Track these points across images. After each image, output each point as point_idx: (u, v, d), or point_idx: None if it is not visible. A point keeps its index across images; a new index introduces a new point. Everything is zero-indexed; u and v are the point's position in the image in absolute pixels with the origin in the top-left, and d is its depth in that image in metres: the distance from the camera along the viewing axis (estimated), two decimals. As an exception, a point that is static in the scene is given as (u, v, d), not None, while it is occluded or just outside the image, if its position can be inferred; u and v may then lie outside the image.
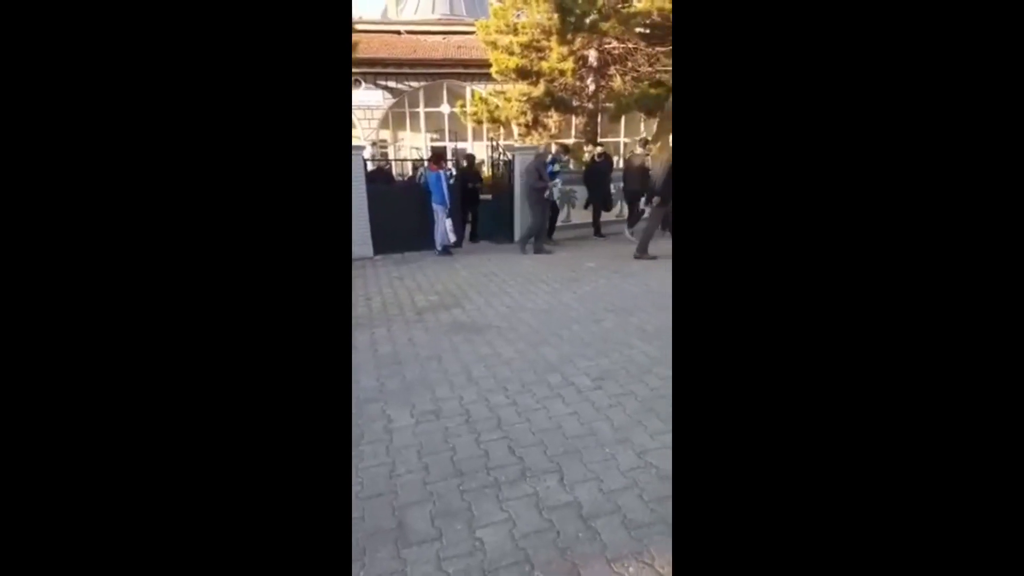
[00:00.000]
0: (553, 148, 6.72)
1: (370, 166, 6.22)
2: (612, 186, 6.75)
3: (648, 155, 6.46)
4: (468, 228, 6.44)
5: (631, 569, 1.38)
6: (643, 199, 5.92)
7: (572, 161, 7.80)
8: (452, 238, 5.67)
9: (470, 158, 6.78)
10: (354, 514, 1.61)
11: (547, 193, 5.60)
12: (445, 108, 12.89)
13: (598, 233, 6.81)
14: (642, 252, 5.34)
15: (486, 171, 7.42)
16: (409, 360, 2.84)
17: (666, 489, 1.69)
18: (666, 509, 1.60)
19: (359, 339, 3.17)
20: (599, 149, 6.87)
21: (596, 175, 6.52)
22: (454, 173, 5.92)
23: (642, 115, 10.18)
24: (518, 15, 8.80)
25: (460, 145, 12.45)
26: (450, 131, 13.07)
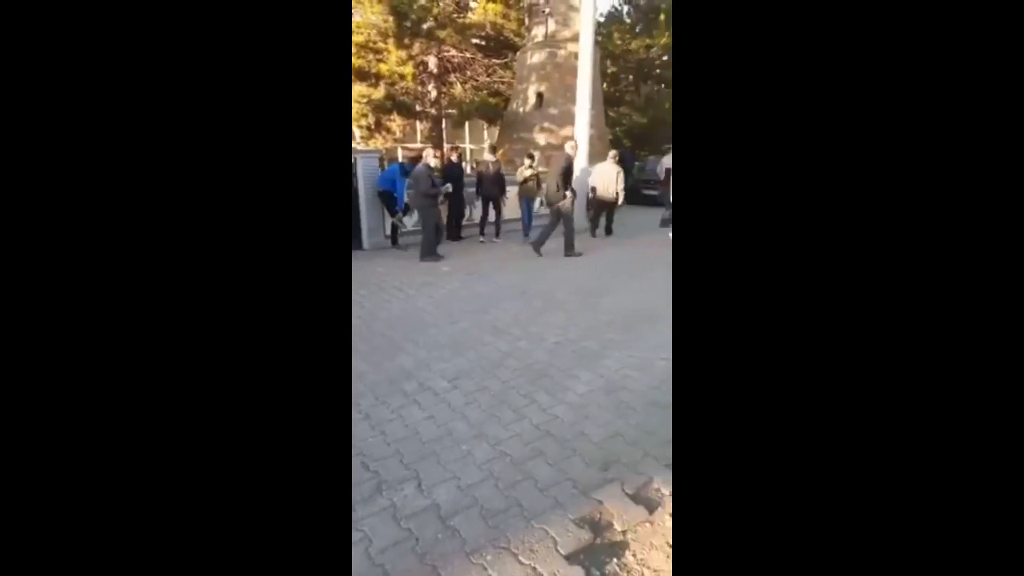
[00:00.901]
0: (400, 153, 6.56)
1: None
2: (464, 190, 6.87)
3: (497, 160, 6.72)
4: None
5: (488, 557, 1.42)
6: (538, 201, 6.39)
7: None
8: None
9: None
10: None
11: (440, 199, 5.53)
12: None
13: (455, 237, 6.87)
14: (570, 249, 5.65)
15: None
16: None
17: (519, 474, 1.79)
18: (519, 492, 1.69)
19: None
20: (455, 153, 6.92)
21: (454, 178, 6.52)
22: None
23: (484, 123, 10.61)
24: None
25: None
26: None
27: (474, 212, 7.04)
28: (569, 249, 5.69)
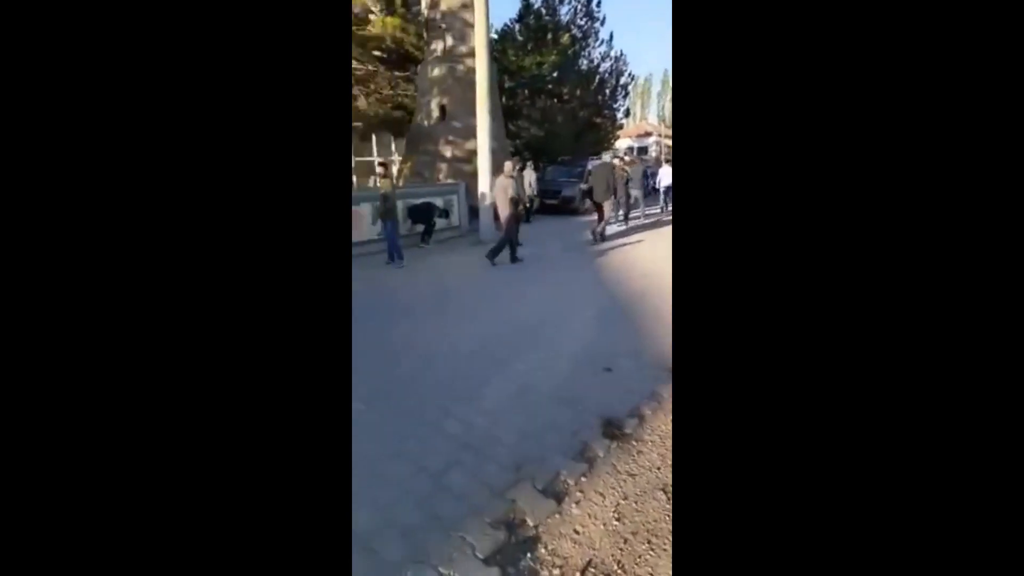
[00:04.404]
0: None
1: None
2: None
3: (385, 175, 6.32)
4: None
5: (408, 574, 1.46)
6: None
7: None
8: None
9: None
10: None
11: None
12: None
13: None
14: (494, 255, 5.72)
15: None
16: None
17: (431, 486, 1.84)
18: (434, 505, 1.75)
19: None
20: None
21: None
22: None
23: (391, 135, 10.47)
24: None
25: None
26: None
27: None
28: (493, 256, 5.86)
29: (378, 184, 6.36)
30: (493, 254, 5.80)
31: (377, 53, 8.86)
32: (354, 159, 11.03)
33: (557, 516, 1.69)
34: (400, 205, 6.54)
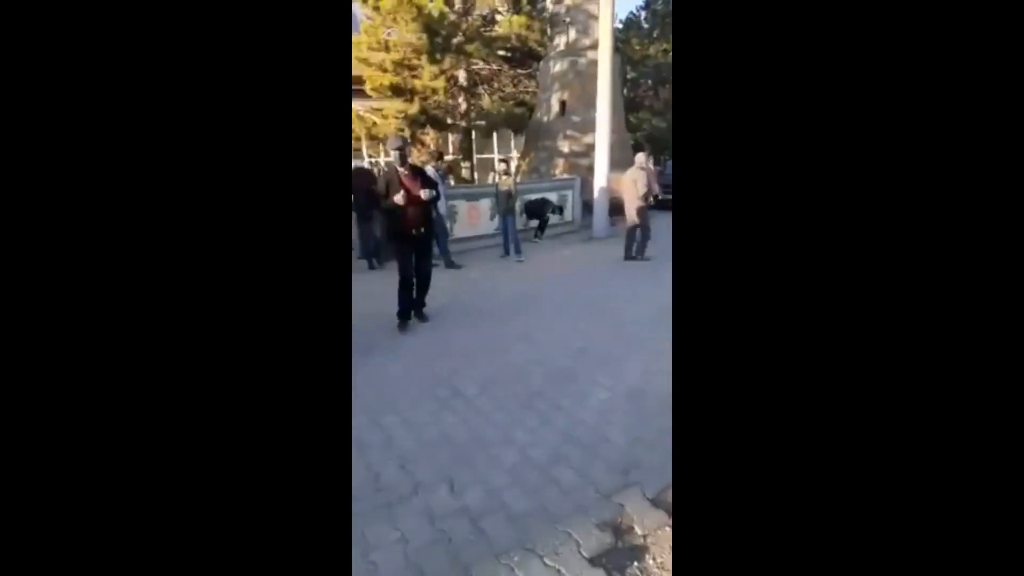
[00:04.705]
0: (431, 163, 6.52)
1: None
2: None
3: (507, 172, 6.21)
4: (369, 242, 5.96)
5: (516, 558, 1.52)
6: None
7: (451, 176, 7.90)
8: None
9: (359, 171, 6.36)
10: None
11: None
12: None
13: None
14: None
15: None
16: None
17: (542, 477, 1.88)
18: (544, 495, 1.78)
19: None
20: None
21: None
22: None
23: (512, 132, 10.78)
24: (388, 32, 8.81)
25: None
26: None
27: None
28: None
29: (497, 181, 6.56)
30: (633, 251, 5.68)
31: (502, 52, 9.18)
32: (475, 156, 11.60)
33: (667, 529, 1.62)
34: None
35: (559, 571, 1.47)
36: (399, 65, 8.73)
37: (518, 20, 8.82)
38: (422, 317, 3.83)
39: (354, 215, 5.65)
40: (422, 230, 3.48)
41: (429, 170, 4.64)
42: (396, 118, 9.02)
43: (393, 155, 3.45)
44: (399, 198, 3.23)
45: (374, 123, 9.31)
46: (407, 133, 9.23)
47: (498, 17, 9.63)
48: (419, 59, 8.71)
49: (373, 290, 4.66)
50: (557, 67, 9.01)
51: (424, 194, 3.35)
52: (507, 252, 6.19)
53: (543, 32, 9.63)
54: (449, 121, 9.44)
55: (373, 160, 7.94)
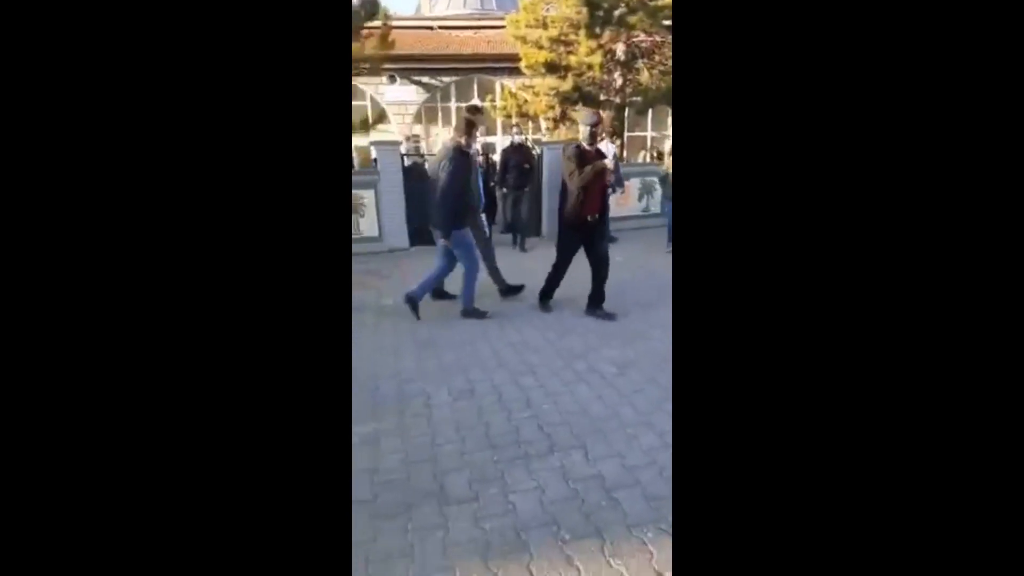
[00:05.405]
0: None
1: (406, 161, 6.36)
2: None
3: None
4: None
5: (649, 534, 1.52)
6: None
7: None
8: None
9: (514, 147, 6.38)
10: (400, 476, 1.81)
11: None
12: (476, 103, 13.06)
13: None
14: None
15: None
16: (445, 345, 3.04)
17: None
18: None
19: (400, 325, 3.39)
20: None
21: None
22: (486, 166, 5.87)
23: (668, 109, 10.11)
24: (547, 9, 8.88)
25: (488, 140, 12.62)
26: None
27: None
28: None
29: (651, 162, 6.25)
30: None
31: (667, 22, 8.57)
32: (626, 134, 11.19)
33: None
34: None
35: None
36: (555, 41, 8.75)
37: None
38: (601, 312, 3.42)
39: (501, 190, 5.91)
40: (598, 216, 3.27)
41: (607, 148, 4.50)
42: (547, 95, 9.12)
43: (583, 132, 3.25)
44: (599, 165, 3.10)
45: (525, 100, 9.55)
46: (557, 110, 9.28)
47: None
48: (576, 34, 8.61)
49: (524, 265, 4.89)
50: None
51: (611, 177, 3.21)
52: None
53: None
54: (603, 97, 9.21)
55: (524, 137, 8.20)
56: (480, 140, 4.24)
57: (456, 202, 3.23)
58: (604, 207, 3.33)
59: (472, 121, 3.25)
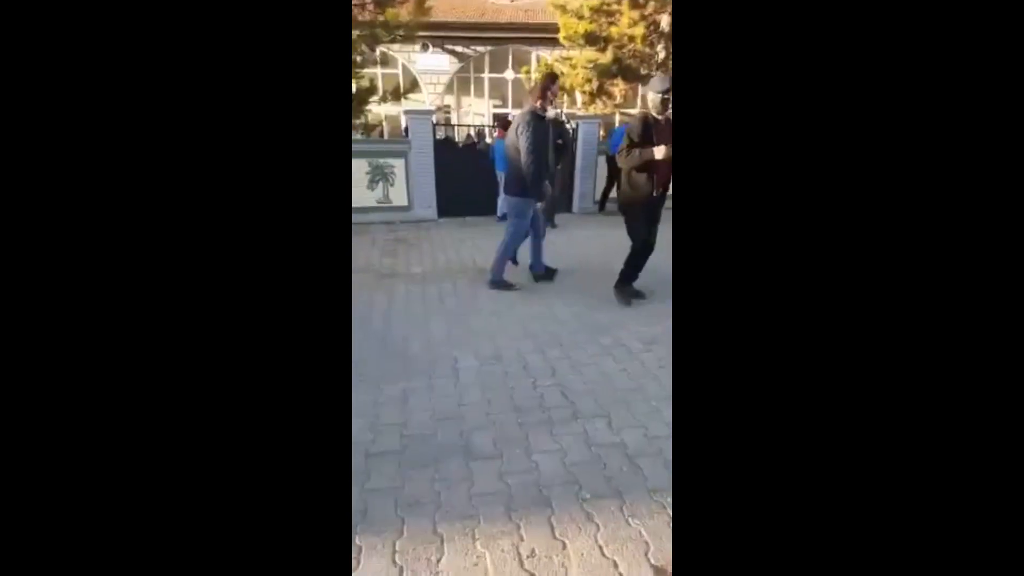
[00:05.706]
0: (617, 119, 6.29)
1: (438, 133, 6.38)
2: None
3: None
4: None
5: (668, 499, 1.55)
6: None
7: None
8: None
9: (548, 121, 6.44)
10: (427, 431, 1.89)
11: None
12: (509, 74, 12.81)
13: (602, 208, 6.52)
14: None
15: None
16: (472, 313, 3.10)
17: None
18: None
19: (428, 291, 3.46)
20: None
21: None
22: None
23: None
24: (591, -22, 8.55)
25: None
26: (512, 98, 13.02)
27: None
28: None
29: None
30: None
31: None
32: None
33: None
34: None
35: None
36: (597, 11, 8.45)
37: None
38: (629, 290, 3.27)
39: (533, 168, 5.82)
40: (662, 191, 2.98)
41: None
42: (585, 68, 8.86)
43: (652, 99, 2.87)
44: (661, 151, 2.76)
45: (562, 72, 9.32)
46: (595, 84, 9.02)
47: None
48: (619, 4, 8.29)
49: (554, 241, 4.88)
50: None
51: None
52: None
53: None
54: (643, 71, 8.89)
55: (558, 111, 8.02)
56: (554, 109, 4.07)
57: (537, 168, 3.14)
58: (667, 184, 2.99)
59: (548, 85, 3.17)
